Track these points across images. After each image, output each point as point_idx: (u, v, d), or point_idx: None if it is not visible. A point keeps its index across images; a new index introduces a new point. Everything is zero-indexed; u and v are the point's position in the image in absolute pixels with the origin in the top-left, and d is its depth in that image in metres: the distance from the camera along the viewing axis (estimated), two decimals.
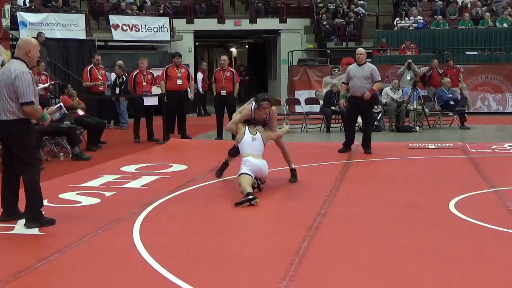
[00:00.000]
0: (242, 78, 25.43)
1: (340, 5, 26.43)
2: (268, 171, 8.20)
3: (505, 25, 22.80)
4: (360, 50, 11.91)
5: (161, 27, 23.38)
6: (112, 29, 22.68)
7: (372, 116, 12.05)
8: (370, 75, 11.45)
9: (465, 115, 16.63)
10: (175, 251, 5.57)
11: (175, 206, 7.55)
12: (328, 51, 23.61)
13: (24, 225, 6.34)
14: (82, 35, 21.74)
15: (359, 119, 12.22)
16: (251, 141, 8.15)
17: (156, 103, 13.91)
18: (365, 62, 11.73)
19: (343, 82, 12.25)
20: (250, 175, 7.76)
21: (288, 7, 26.67)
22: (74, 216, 7.03)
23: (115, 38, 22.66)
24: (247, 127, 8.29)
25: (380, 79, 11.75)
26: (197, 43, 28.21)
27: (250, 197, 7.31)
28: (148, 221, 6.64)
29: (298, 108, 18.08)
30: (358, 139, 11.87)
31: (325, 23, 25.35)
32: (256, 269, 5.06)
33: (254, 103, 8.38)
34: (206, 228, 6.46)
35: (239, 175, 7.81)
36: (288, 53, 22.36)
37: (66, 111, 11.31)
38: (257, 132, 8.27)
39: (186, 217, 6.97)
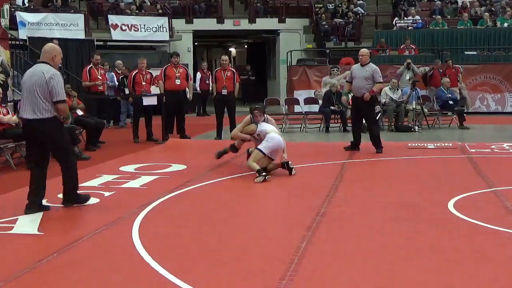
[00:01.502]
0: (247, 78, 25.49)
1: (339, 5, 26.45)
2: (284, 144, 9.42)
3: (506, 24, 22.79)
4: (363, 51, 11.95)
5: (160, 27, 23.39)
6: (111, 29, 22.68)
7: (374, 116, 12.05)
8: (371, 76, 11.49)
9: (464, 115, 16.65)
10: (174, 251, 5.57)
11: (174, 206, 7.55)
12: (327, 51, 23.62)
13: (63, 204, 7.25)
14: (81, 35, 21.74)
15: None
16: (266, 123, 9.57)
17: (155, 103, 13.92)
18: (368, 62, 11.74)
19: (346, 81, 12.41)
20: (263, 153, 9.11)
21: (287, 7, 26.68)
22: (73, 216, 7.04)
23: (114, 38, 22.66)
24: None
25: (381, 80, 11.80)
26: (196, 43, 28.21)
27: (263, 173, 8.76)
28: (147, 221, 6.64)
29: (297, 108, 18.09)
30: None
31: (324, 23, 25.37)
32: (256, 269, 5.06)
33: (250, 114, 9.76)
34: (205, 228, 6.46)
35: (255, 149, 9.26)
36: (287, 53, 22.37)
37: None
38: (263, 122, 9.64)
39: (185, 217, 6.97)
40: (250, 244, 5.80)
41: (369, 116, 11.86)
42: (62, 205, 7.34)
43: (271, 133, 9.36)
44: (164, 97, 13.76)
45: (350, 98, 13.08)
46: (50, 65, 6.93)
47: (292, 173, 9.35)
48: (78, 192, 7.36)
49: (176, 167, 10.31)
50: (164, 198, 7.82)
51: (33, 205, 6.98)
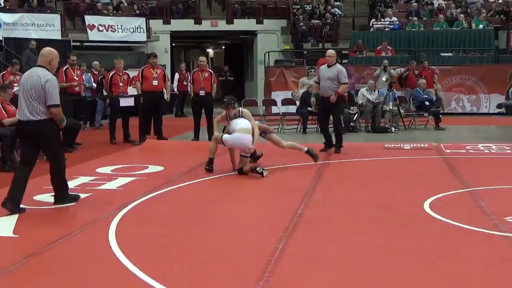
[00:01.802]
0: (225, 79, 25.46)
1: (317, 6, 26.52)
2: (250, 145, 9.44)
3: (481, 26, 23.03)
4: (330, 52, 12.14)
5: (137, 28, 23.30)
6: (88, 29, 22.54)
7: (339, 117, 12.20)
8: (336, 76, 11.60)
9: (440, 116, 16.80)
10: (151, 253, 5.55)
11: (152, 207, 7.52)
12: (305, 52, 23.69)
13: (55, 203, 7.41)
14: (57, 36, 21.58)
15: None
16: (238, 120, 9.58)
17: (132, 104, 13.86)
18: (335, 63, 11.87)
19: (315, 82, 12.50)
20: (224, 144, 9.52)
21: (264, 8, 26.70)
22: (49, 218, 6.98)
23: (91, 38, 22.52)
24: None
25: (346, 81, 11.84)
26: (173, 44, 28.12)
27: (208, 166, 9.65)
28: (124, 223, 6.61)
29: (274, 109, 18.13)
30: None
31: (301, 24, 25.43)
32: (233, 270, 5.06)
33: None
34: (182, 229, 6.44)
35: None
36: (264, 54, 22.40)
37: None
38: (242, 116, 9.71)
39: (162, 218, 6.95)
40: (228, 245, 5.80)
41: (335, 117, 11.98)
42: (42, 207, 7.29)
43: (236, 133, 9.48)
44: (141, 98, 13.70)
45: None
46: (47, 69, 7.11)
47: (264, 175, 9.27)
48: (68, 191, 7.57)
49: (153, 168, 10.27)
50: (141, 200, 7.78)
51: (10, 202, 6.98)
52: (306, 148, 10.42)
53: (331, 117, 12.12)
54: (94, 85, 17.60)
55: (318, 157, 10.37)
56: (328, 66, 11.79)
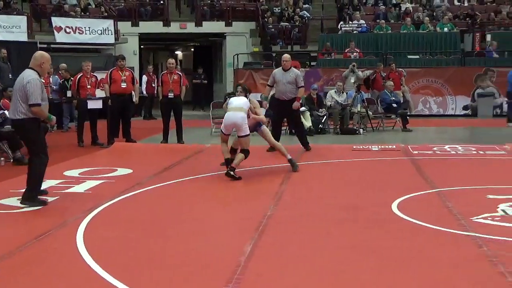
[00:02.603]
0: (200, 82, 25.41)
1: (286, 9, 26.60)
2: (244, 128, 9.43)
3: (445, 29, 23.36)
4: (286, 56, 12.36)
5: (105, 30, 23.11)
6: (55, 31, 22.29)
7: (299, 118, 12.69)
8: (294, 80, 11.85)
9: (407, 117, 16.97)
10: (120, 256, 5.51)
11: (120, 210, 7.48)
12: (274, 55, 23.74)
13: (21, 202, 7.55)
14: (23, 37, 21.30)
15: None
16: (236, 99, 9.72)
17: (100, 107, 13.77)
18: (290, 67, 12.09)
19: (267, 85, 12.59)
20: (224, 133, 9.55)
21: (233, 11, 26.70)
22: (15, 222, 6.90)
23: (58, 40, 22.27)
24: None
25: (303, 85, 12.19)
26: (142, 46, 27.97)
27: (227, 171, 9.23)
28: (92, 226, 6.56)
29: None
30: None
31: (270, 26, 25.48)
32: (202, 272, 5.05)
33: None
34: (151, 232, 6.41)
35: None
36: (233, 56, 22.40)
37: (7, 115, 11.07)
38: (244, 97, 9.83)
39: (131, 221, 6.90)
40: (197, 248, 5.79)
41: (294, 119, 12.19)
42: (8, 211, 7.20)
43: (227, 112, 9.63)
44: (109, 101, 13.62)
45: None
46: (37, 71, 7.58)
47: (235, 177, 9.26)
48: (37, 195, 7.71)
49: (121, 171, 10.21)
50: (109, 203, 7.73)
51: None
52: (290, 157, 10.16)
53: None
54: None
55: (298, 168, 10.09)
56: (285, 70, 11.97)
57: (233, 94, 10.35)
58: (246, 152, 9.52)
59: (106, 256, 5.47)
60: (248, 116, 9.70)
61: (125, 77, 13.78)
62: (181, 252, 5.66)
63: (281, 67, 12.19)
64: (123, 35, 24.49)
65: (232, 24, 26.33)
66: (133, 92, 14.17)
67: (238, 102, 9.66)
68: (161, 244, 5.94)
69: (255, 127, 10.07)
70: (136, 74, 19.34)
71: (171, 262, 5.33)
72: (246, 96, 9.94)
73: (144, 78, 21.31)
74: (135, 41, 25.62)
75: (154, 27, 25.79)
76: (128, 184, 8.94)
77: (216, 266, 5.20)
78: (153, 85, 20.36)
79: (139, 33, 25.66)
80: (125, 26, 24.80)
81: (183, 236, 6.24)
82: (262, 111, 10.31)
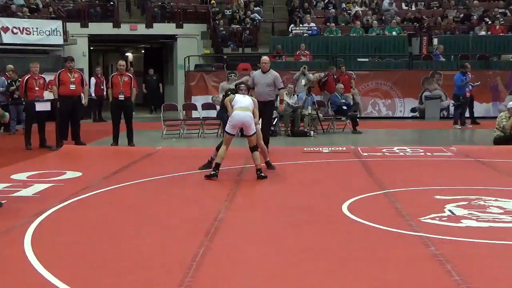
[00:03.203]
0: (155, 84, 25.25)
1: (237, 11, 26.63)
2: (252, 126, 9.59)
3: (393, 33, 23.75)
4: (265, 58, 12.36)
5: (53, 31, 22.76)
6: (2, 32, 21.84)
7: (270, 121, 12.78)
8: (273, 82, 11.85)
9: (357, 119, 17.18)
10: (69, 261, 5.43)
11: (69, 214, 7.37)
12: (225, 57, 23.74)
13: None
14: None
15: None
16: (242, 98, 9.82)
17: (49, 109, 13.55)
18: (269, 70, 12.07)
19: (250, 87, 12.60)
20: (230, 134, 9.60)
21: (184, 12, 26.59)
22: None
23: (4, 41, 21.84)
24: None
25: (282, 86, 12.31)
26: (91, 48, 27.62)
27: (212, 172, 9.42)
28: (41, 231, 6.45)
29: (195, 113, 18.08)
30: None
31: (221, 28, 25.48)
32: (154, 276, 5.02)
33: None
34: (101, 236, 6.33)
35: (224, 133, 9.94)
36: (184, 59, 22.31)
37: None
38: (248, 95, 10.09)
39: (80, 225, 6.81)
40: (148, 251, 5.75)
41: (267, 121, 12.14)
42: None
43: (234, 111, 9.66)
44: (58, 103, 13.41)
45: None
46: None
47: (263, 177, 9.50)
48: None
49: (71, 174, 10.06)
50: (58, 207, 7.61)
51: None
52: (268, 160, 10.45)
53: None
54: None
55: (275, 168, 10.39)
56: (263, 72, 12.01)
57: (233, 91, 10.49)
58: (256, 148, 9.78)
59: (55, 261, 5.38)
60: None
61: (74, 79, 13.59)
62: (132, 256, 5.60)
63: (260, 69, 12.26)
64: (72, 36, 24.16)
65: (183, 26, 26.23)
66: (82, 94, 13.98)
67: (245, 102, 9.80)
68: (111, 248, 5.88)
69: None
70: (86, 76, 19.10)
71: (121, 266, 5.28)
72: (249, 94, 10.25)
73: (92, 80, 21.05)
74: (85, 43, 25.30)
75: (104, 28, 25.50)
76: (77, 188, 8.82)
77: (167, 269, 5.17)
78: (102, 87, 20.12)
79: (88, 35, 25.35)
80: (74, 27, 24.46)
81: (133, 240, 6.18)
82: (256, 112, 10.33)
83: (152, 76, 25.64)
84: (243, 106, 9.68)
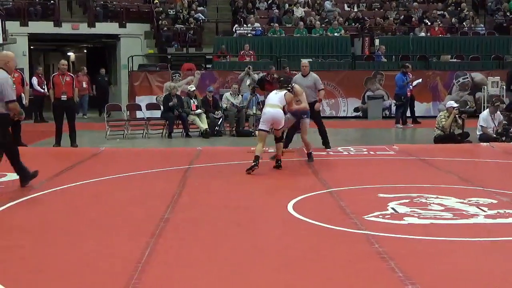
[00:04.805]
0: (106, 84, 24.84)
1: (180, 11, 26.49)
2: (282, 122, 10.32)
3: (336, 34, 24.04)
4: (305, 62, 12.86)
5: None
6: None
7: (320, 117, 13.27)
8: (314, 84, 12.37)
9: None
10: (11, 266, 5.31)
11: (10, 217, 7.20)
12: (169, 57, 23.60)
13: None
14: None
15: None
16: (274, 95, 10.42)
17: None
18: (309, 72, 12.55)
19: None
20: (264, 130, 10.24)
21: (127, 12, 26.29)
22: None
23: None
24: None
25: (322, 87, 12.85)
26: (32, 47, 27.06)
27: (253, 164, 9.89)
28: None
29: (139, 114, 17.91)
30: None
31: (165, 28, 25.31)
32: (98, 280, 4.95)
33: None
34: (44, 239, 6.21)
35: (258, 130, 10.92)
36: (128, 58, 22.08)
37: None
38: (283, 91, 10.44)
39: (22, 228, 6.66)
40: (92, 254, 5.67)
41: (317, 119, 12.77)
42: None
43: (265, 108, 10.42)
44: None
45: None
46: (5, 70, 8.30)
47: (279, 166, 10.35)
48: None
49: (11, 176, 9.79)
50: None
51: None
52: (311, 151, 11.39)
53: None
54: None
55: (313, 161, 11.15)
56: (304, 76, 12.44)
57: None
58: (280, 140, 10.58)
59: None
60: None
61: (14, 79, 13.22)
62: (76, 259, 5.51)
63: (300, 73, 12.65)
64: (12, 35, 23.59)
65: (126, 26, 25.94)
66: (22, 95, 13.68)
67: (275, 99, 10.34)
68: (54, 251, 5.77)
69: (299, 115, 11.10)
70: (26, 76, 18.70)
71: (65, 270, 5.19)
72: (288, 89, 10.52)
73: (34, 79, 20.61)
74: (25, 42, 24.75)
75: (44, 27, 24.99)
76: (18, 190, 8.62)
77: (112, 271, 5.11)
78: (43, 87, 19.72)
79: (28, 33, 24.81)
80: (13, 26, 23.90)
81: (77, 243, 6.08)
82: (304, 98, 11.00)
83: (103, 76, 25.24)
84: (272, 103, 10.29)
